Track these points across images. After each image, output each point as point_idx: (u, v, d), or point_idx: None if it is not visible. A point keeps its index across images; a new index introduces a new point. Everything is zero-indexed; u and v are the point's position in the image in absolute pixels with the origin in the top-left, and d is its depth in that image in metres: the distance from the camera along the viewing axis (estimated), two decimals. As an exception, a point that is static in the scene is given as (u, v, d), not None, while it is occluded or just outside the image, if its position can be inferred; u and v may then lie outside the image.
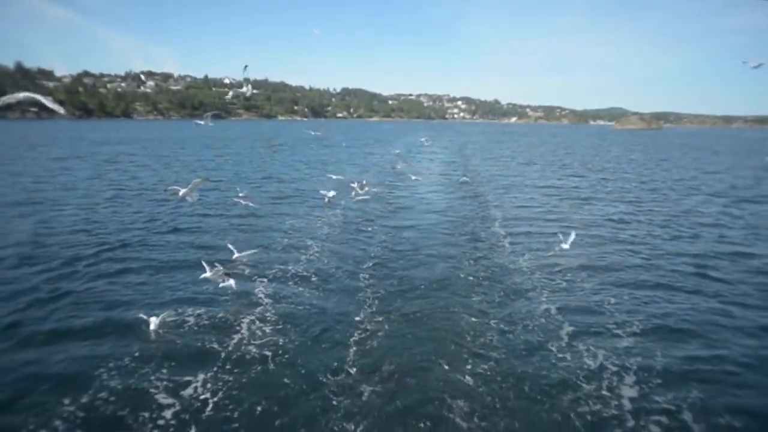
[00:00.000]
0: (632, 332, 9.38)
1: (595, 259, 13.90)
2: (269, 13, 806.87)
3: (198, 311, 9.64)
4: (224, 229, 16.28)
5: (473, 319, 9.76)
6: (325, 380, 7.40)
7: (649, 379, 7.73)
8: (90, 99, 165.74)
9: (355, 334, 8.92)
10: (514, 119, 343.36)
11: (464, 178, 29.47)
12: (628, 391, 7.40)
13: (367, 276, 12.08)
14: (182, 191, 12.52)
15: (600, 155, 57.23)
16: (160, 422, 6.42)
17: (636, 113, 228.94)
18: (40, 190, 23.92)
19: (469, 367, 8.00)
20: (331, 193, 20.87)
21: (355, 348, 8.43)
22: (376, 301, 10.53)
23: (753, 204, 23.88)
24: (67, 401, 6.81)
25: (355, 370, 7.73)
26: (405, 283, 11.64)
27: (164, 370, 7.57)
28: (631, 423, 6.70)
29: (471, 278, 12.20)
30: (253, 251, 12.41)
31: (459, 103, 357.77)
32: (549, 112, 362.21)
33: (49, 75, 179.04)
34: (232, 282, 10.08)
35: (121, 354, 8.03)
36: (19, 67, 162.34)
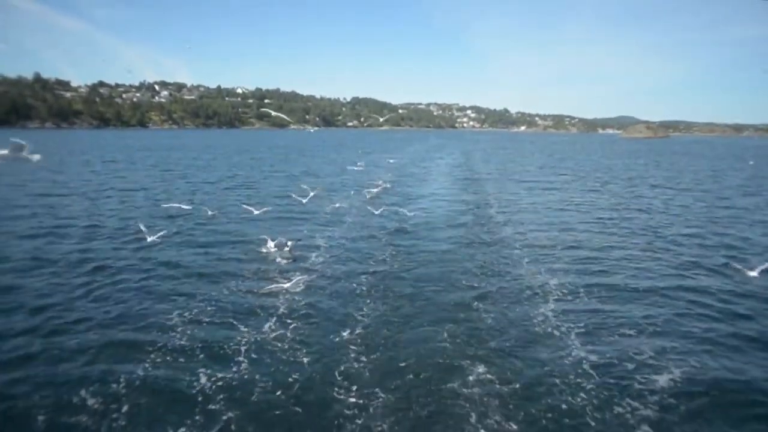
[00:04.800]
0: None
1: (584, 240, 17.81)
2: (280, 23, 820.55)
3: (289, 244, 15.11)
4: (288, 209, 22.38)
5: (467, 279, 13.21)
6: (345, 299, 11.59)
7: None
8: (107, 109, 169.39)
9: (370, 280, 12.91)
10: (523, 128, 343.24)
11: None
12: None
13: (383, 242, 16.74)
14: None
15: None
16: (287, 295, 11.44)
17: (645, 122, 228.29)
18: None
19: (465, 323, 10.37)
20: (356, 188, 28.17)
21: (369, 287, 12.38)
22: (388, 260, 14.77)
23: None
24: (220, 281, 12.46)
25: (366, 302, 11.44)
26: (413, 251, 15.87)
27: (279, 273, 13.18)
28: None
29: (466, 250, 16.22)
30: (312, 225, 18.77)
31: (468, 112, 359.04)
32: (558, 120, 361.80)
33: (66, 85, 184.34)
34: (289, 244, 15.01)
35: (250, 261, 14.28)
36: (38, 78, 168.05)
